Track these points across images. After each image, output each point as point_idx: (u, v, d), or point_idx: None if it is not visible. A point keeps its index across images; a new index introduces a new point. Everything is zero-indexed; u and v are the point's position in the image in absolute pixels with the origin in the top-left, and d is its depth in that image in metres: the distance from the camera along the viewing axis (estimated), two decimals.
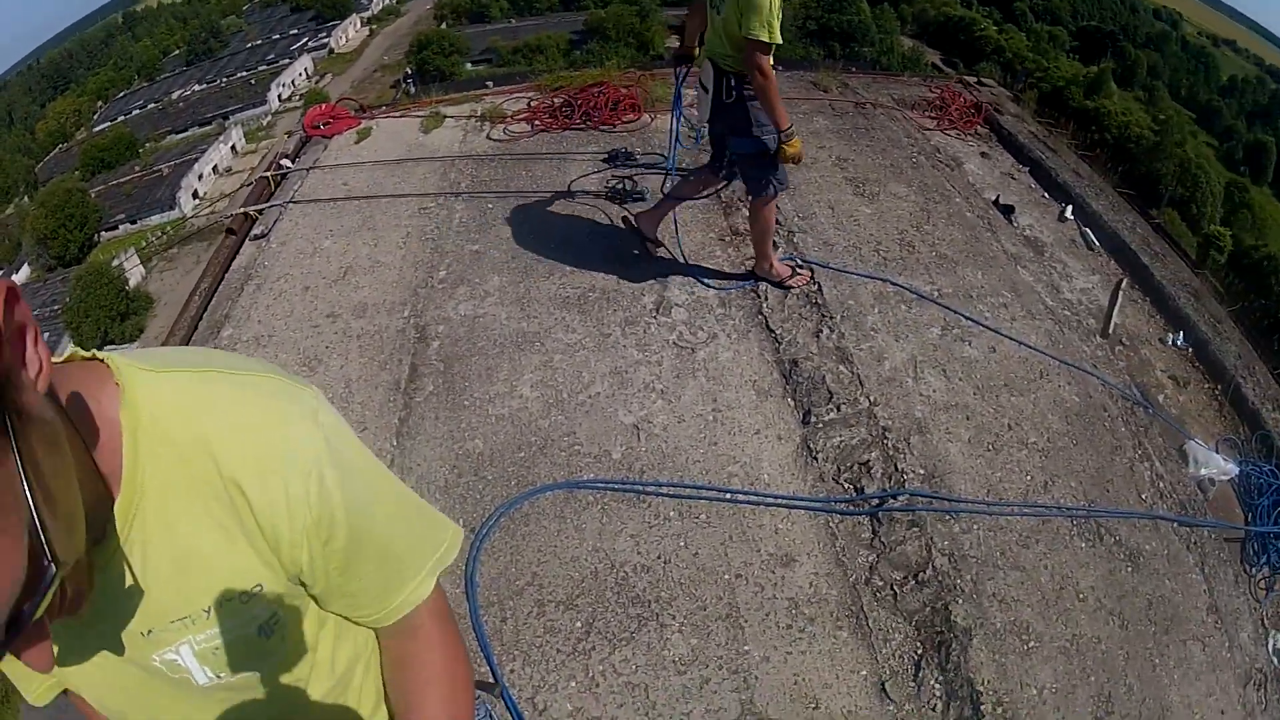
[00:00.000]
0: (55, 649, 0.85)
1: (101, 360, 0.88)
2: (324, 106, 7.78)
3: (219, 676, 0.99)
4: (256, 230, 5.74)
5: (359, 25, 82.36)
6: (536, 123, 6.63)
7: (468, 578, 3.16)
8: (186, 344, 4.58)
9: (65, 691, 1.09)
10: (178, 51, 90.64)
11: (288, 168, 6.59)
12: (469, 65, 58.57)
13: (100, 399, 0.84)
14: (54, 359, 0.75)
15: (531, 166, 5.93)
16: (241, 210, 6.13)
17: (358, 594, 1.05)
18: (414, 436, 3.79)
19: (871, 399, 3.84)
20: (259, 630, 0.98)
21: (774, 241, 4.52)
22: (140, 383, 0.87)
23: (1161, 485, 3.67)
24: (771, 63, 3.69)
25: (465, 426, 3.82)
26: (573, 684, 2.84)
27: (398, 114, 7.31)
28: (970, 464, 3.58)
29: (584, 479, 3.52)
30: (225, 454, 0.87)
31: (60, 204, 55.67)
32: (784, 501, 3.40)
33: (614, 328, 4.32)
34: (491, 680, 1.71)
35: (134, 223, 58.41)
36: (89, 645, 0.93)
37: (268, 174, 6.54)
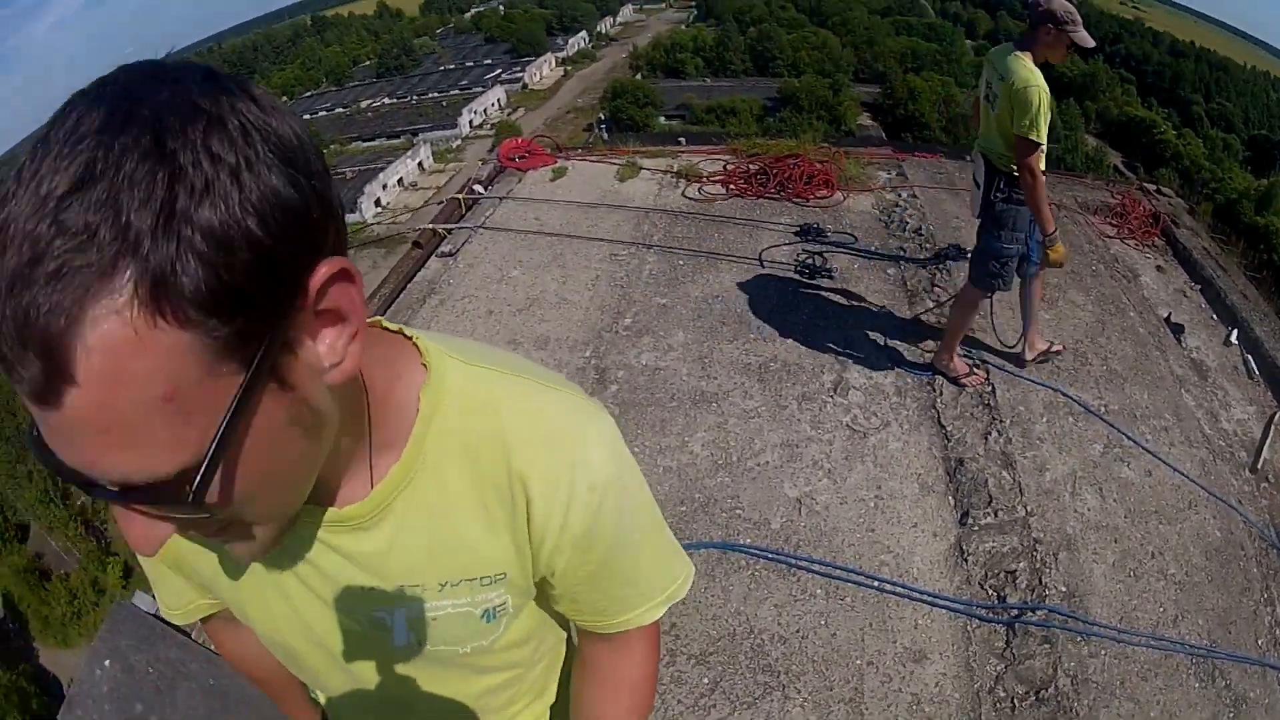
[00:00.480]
0: (242, 570, 0.93)
1: (410, 339, 0.90)
2: (520, 140, 8.03)
3: (420, 644, 0.99)
4: (444, 248, 5.93)
5: (554, 64, 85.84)
6: (731, 186, 6.65)
7: None
8: None
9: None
10: (368, 63, 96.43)
11: (480, 194, 6.81)
12: (662, 119, 60.11)
13: (399, 372, 0.87)
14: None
15: (724, 229, 5.94)
16: (431, 226, 6.35)
17: (591, 604, 1.05)
18: None
19: (1028, 509, 3.72)
20: (484, 614, 0.98)
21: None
22: (450, 370, 0.89)
23: (1278, 633, 3.43)
24: (1043, 166, 3.62)
25: None
26: None
27: (594, 158, 7.47)
28: (1110, 588, 3.44)
29: (740, 543, 3.52)
30: (520, 453, 0.88)
31: None
32: (928, 598, 3.34)
33: (791, 400, 4.26)
34: None
35: None
36: (294, 589, 0.94)
37: (459, 196, 6.77)
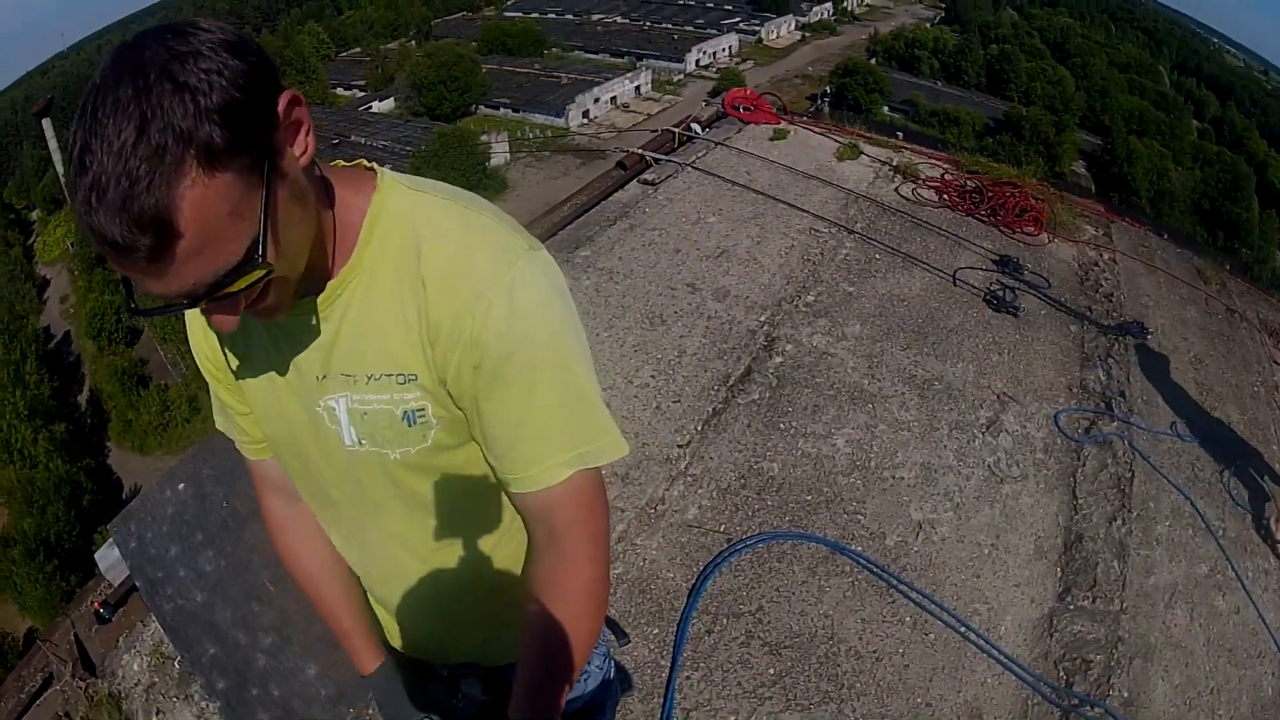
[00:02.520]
0: (248, 363, 1.22)
1: (374, 170, 1.16)
2: (749, 92, 7.96)
3: (361, 443, 1.18)
4: (648, 175, 6.00)
5: (793, 27, 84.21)
6: (945, 196, 6.49)
7: (702, 575, 3.23)
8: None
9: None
10: None
11: (696, 133, 6.83)
12: (886, 109, 58.63)
13: (359, 194, 1.12)
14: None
15: (926, 236, 5.81)
16: (640, 151, 6.42)
17: (491, 438, 1.14)
18: (719, 430, 3.85)
19: (1124, 606, 3.57)
20: (404, 415, 1.14)
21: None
22: (394, 191, 1.13)
23: None
24: None
25: (770, 447, 3.83)
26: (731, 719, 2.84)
27: (818, 130, 7.39)
28: (1166, 709, 3.29)
29: (851, 548, 3.49)
30: (428, 254, 1.08)
31: (449, 62, 60.91)
32: (1005, 660, 3.25)
33: (943, 425, 4.19)
34: (624, 633, 1.65)
35: (516, 111, 62.92)
36: (277, 375, 1.20)
37: (675, 129, 6.81)
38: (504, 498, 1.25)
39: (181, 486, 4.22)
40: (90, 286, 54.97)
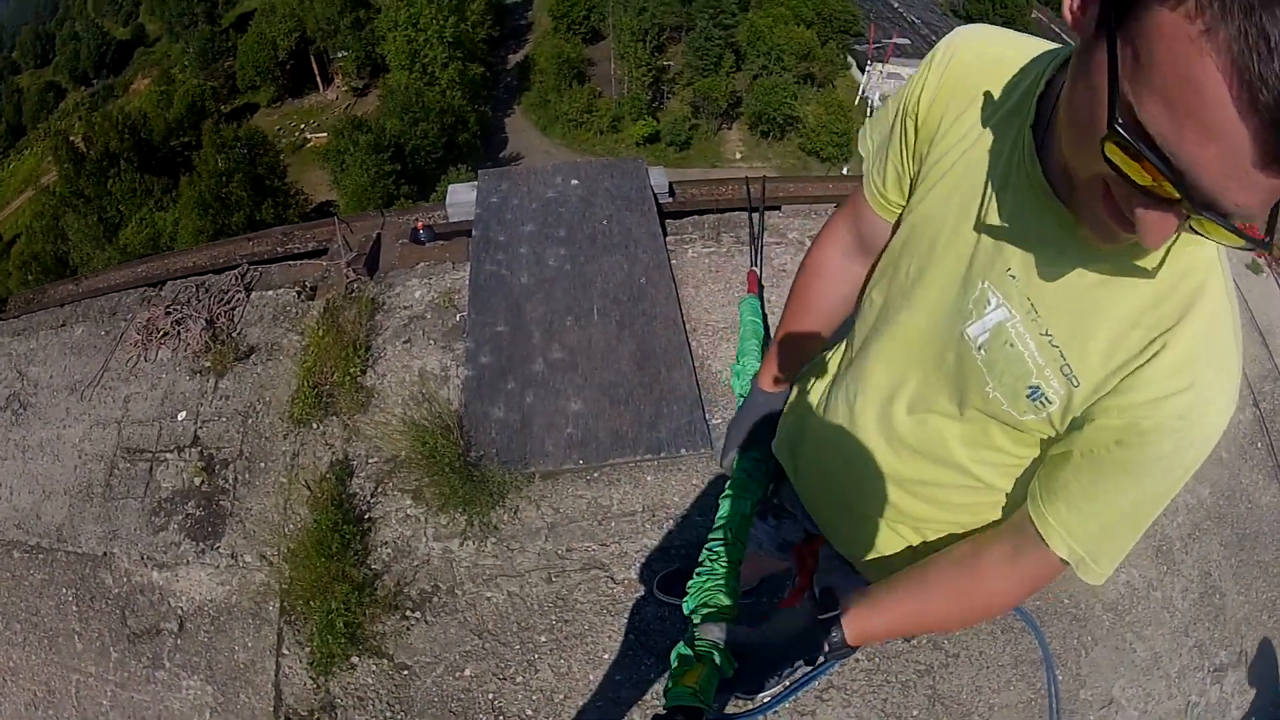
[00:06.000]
0: (974, 187, 1.05)
1: None
2: None
3: (979, 350, 1.06)
4: None
5: None
6: None
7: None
8: None
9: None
10: None
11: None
12: None
13: None
14: None
15: None
16: None
17: (1062, 479, 1.04)
18: None
19: None
20: (1031, 390, 1.03)
21: None
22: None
23: None
24: None
25: None
26: None
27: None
28: None
29: (1057, 676, 3.11)
30: (1192, 319, 0.92)
31: None
32: None
33: (1191, 641, 3.54)
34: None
35: None
36: (997, 228, 1.03)
37: None
38: (997, 505, 1.23)
39: (575, 183, 4.29)
40: None
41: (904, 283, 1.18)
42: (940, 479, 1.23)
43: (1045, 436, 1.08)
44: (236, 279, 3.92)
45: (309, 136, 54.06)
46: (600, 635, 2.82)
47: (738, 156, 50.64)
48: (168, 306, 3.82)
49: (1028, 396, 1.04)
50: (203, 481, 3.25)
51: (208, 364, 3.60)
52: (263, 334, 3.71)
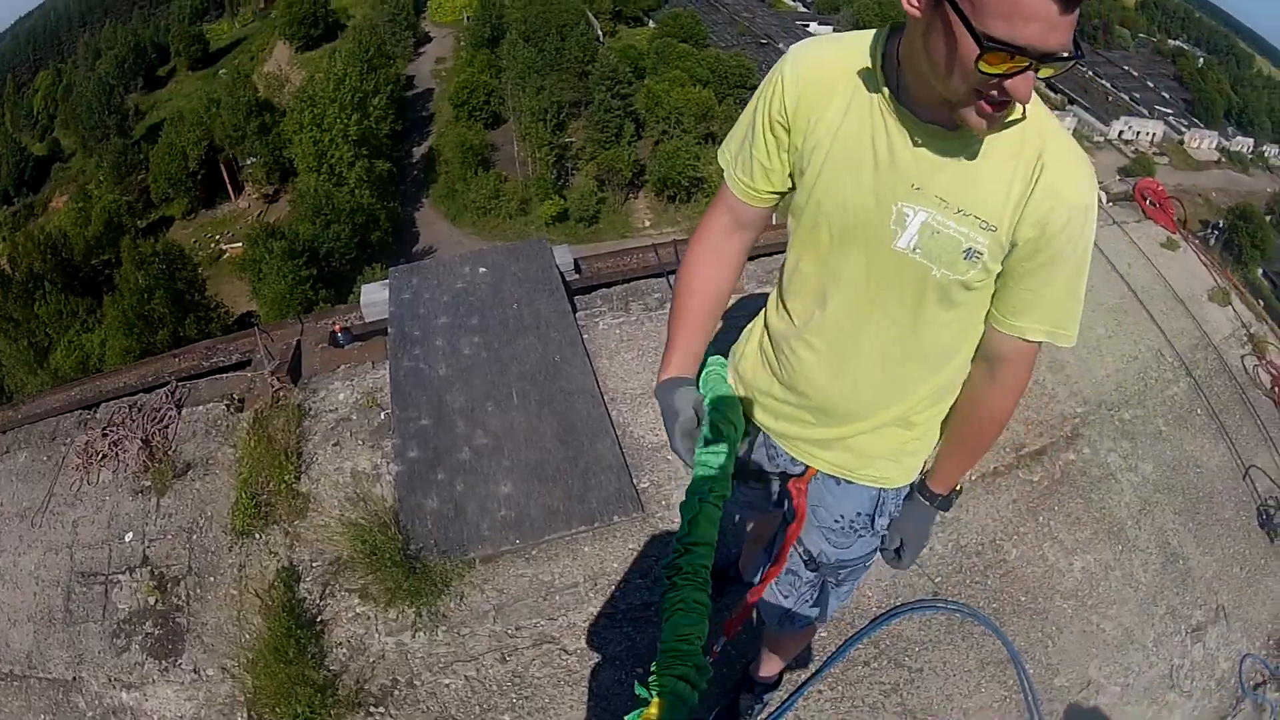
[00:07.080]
0: (847, 144, 1.43)
1: None
2: (1161, 188, 7.18)
3: (915, 251, 1.42)
4: None
5: (1214, 145, 76.62)
6: (1276, 390, 5.59)
7: (893, 610, 3.22)
8: None
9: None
10: None
11: (1100, 200, 6.26)
12: (1260, 271, 53.11)
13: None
14: None
15: (1244, 419, 5.01)
16: None
17: (1012, 290, 1.46)
18: (989, 490, 3.73)
19: None
20: (966, 252, 1.39)
21: None
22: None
23: None
24: None
25: (1019, 531, 3.65)
26: None
27: (1205, 259, 6.52)
28: None
29: (1026, 668, 3.18)
30: (1053, 150, 1.35)
31: None
32: None
33: (1163, 605, 3.57)
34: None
35: None
36: (871, 165, 1.41)
37: None
38: (973, 336, 1.56)
39: (483, 271, 4.40)
40: (471, 61, 58.34)
41: (831, 243, 1.51)
42: (923, 339, 1.55)
43: (991, 274, 1.43)
44: (167, 396, 3.95)
45: (225, 247, 53.52)
46: (561, 707, 2.88)
47: (646, 224, 51.43)
48: (104, 429, 3.82)
49: (964, 259, 1.39)
50: (156, 600, 3.25)
51: (148, 483, 3.61)
52: (197, 449, 3.74)
